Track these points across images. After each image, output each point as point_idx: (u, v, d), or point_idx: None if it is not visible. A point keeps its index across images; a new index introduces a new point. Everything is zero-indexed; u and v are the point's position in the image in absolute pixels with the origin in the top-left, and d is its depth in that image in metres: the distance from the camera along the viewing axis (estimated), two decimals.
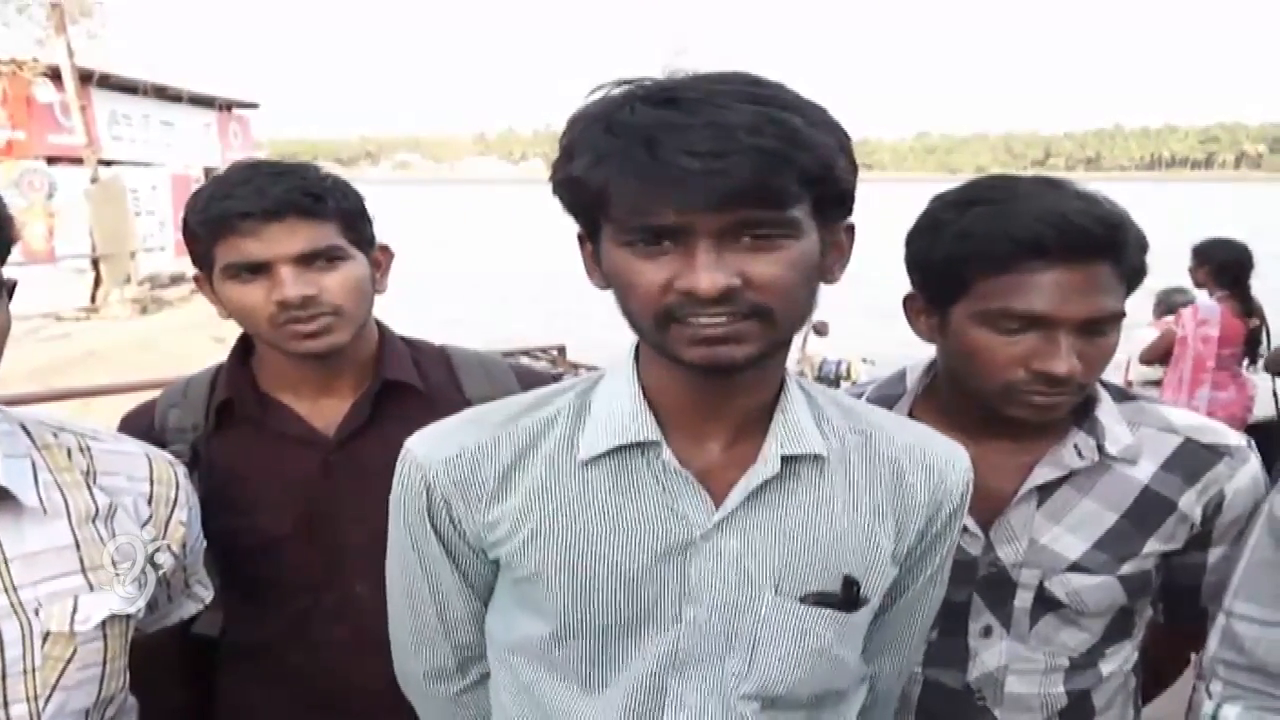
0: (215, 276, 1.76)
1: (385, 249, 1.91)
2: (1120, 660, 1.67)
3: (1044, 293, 1.43)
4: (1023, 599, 1.59)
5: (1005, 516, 1.58)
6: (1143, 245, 1.50)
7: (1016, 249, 1.43)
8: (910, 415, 1.65)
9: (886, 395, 1.71)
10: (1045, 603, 1.59)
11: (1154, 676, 1.84)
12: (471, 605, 1.39)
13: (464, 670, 1.44)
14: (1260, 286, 6.02)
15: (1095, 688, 1.65)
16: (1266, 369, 5.52)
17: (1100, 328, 1.46)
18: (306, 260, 1.70)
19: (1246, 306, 5.91)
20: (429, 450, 1.30)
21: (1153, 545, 1.57)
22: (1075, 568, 1.57)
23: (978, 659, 1.63)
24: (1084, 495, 1.57)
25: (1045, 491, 1.58)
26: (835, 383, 14.10)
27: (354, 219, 1.79)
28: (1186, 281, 6.44)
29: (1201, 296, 6.17)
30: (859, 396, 1.72)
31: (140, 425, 1.87)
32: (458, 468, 1.27)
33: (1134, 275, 1.50)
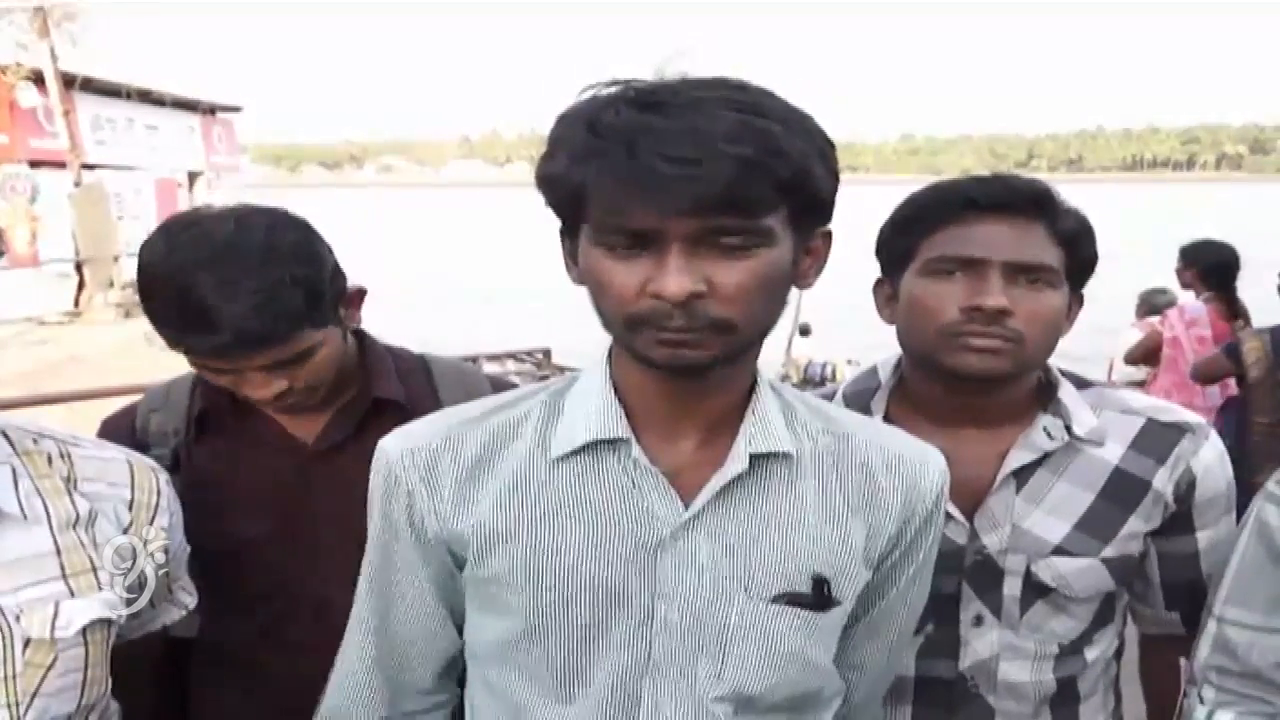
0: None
1: (358, 294, 1.82)
2: (1103, 647, 1.69)
3: (976, 239, 1.54)
4: (1011, 586, 1.61)
5: (986, 503, 1.61)
6: (1083, 223, 1.60)
7: (952, 205, 1.56)
8: (886, 409, 1.69)
9: (861, 390, 1.74)
10: (1034, 589, 1.61)
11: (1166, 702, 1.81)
12: (428, 626, 1.37)
13: None
14: (1242, 288, 6.04)
15: (1080, 674, 1.67)
16: (1193, 377, 5.51)
17: (1033, 278, 1.53)
18: (274, 365, 1.65)
19: (1232, 309, 5.93)
20: (396, 444, 1.31)
21: (1133, 525, 1.60)
22: (1059, 551, 1.59)
23: (970, 648, 1.64)
24: (1058, 477, 1.61)
25: (1022, 476, 1.61)
26: (820, 384, 14.12)
27: (317, 309, 1.65)
28: (1169, 282, 6.46)
29: (1188, 298, 6.19)
30: (832, 395, 1.75)
31: (121, 428, 1.87)
32: (421, 460, 1.28)
33: (1071, 243, 1.57)
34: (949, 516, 1.58)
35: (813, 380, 14.43)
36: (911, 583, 1.38)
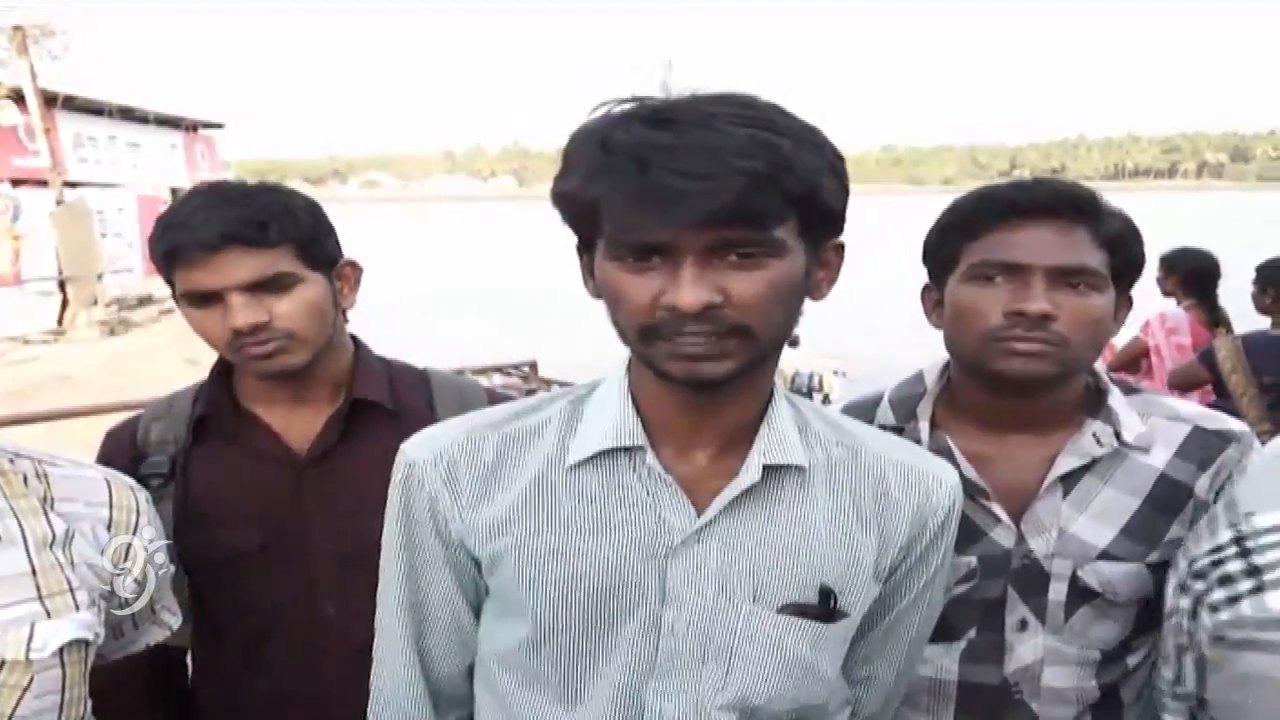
0: (178, 301, 1.79)
1: (353, 265, 1.93)
2: (1144, 653, 1.71)
3: (1019, 244, 1.55)
4: (1056, 591, 1.63)
5: (1034, 508, 1.63)
6: (1128, 226, 1.61)
7: (994, 211, 1.59)
8: (932, 414, 1.71)
9: (907, 396, 1.76)
10: (1080, 594, 1.63)
11: None
12: (457, 619, 1.39)
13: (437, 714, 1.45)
14: (1225, 297, 6.07)
15: (1123, 681, 1.69)
16: (1170, 384, 5.53)
17: (1076, 282, 1.54)
18: (255, 287, 1.72)
19: (1213, 316, 5.96)
20: (418, 448, 1.34)
21: (1175, 531, 1.62)
22: (1105, 556, 1.61)
23: (1014, 653, 1.66)
24: (1105, 483, 1.63)
25: (1069, 481, 1.63)
26: (808, 394, 14.17)
27: (308, 242, 1.79)
28: (1152, 290, 6.48)
29: (1169, 305, 6.22)
30: (876, 401, 1.78)
31: (123, 438, 1.90)
32: (442, 463, 1.32)
33: (1116, 245, 1.58)
34: (996, 520, 1.61)
35: (800, 390, 14.47)
36: (922, 597, 1.39)
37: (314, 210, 1.83)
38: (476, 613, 1.40)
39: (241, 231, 1.70)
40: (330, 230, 1.87)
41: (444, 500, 1.31)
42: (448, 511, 1.31)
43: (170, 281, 1.78)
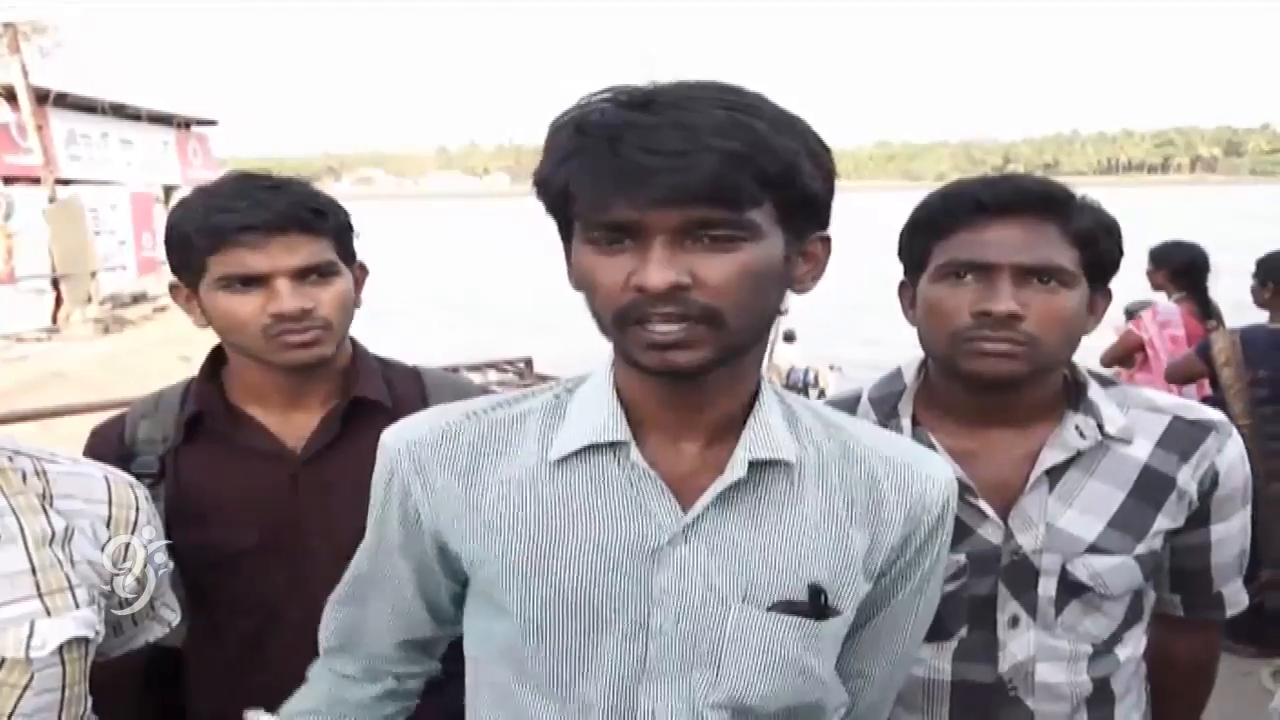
0: (204, 286, 1.77)
1: (362, 266, 1.95)
2: (1134, 645, 1.71)
3: (985, 243, 1.54)
4: (1046, 586, 1.63)
5: (1020, 503, 1.62)
6: (1102, 221, 1.59)
7: (961, 209, 1.57)
8: (913, 412, 1.70)
9: (887, 394, 1.75)
10: (1069, 588, 1.62)
11: (1186, 691, 1.85)
12: (407, 604, 1.39)
13: (369, 678, 1.48)
14: (1215, 288, 6.07)
15: (1114, 674, 1.69)
16: (1167, 378, 5.54)
17: (1044, 279, 1.53)
18: (303, 274, 1.74)
19: (1205, 309, 5.96)
20: (394, 436, 1.32)
21: (1161, 523, 1.62)
22: (1094, 549, 1.61)
23: (1007, 650, 1.65)
24: (1090, 476, 1.62)
25: (1054, 475, 1.62)
26: (804, 390, 14.20)
27: (345, 235, 1.84)
28: (1145, 285, 6.49)
29: (1160, 299, 6.22)
30: (857, 398, 1.77)
31: (110, 436, 1.89)
32: (416, 453, 1.29)
33: (1087, 241, 1.56)
34: (984, 517, 1.61)
35: (796, 386, 14.50)
36: (917, 594, 1.36)
37: (344, 207, 1.87)
38: (430, 605, 1.40)
39: (300, 216, 1.73)
40: (352, 228, 1.90)
41: (416, 491, 1.29)
42: (419, 502, 1.29)
43: (194, 266, 1.76)
